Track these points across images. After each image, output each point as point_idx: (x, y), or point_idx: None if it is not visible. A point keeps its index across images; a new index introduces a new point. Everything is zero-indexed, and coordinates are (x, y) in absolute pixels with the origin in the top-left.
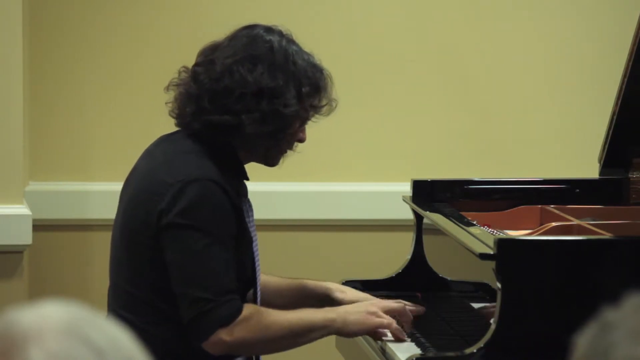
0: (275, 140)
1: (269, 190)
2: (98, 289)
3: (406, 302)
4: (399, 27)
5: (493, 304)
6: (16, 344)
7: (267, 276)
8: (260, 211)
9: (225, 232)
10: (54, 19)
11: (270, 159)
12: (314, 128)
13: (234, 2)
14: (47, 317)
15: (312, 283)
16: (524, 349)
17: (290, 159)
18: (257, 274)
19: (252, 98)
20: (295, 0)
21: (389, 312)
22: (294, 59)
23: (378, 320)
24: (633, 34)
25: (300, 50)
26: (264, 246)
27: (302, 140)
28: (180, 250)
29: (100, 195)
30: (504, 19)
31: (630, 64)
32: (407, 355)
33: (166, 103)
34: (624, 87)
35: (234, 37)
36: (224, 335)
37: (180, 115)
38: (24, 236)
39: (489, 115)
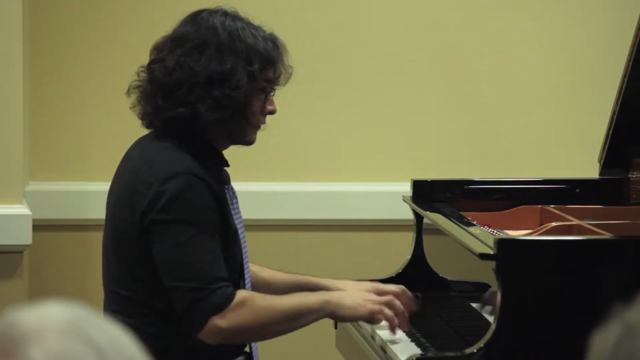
0: (237, 121)
1: (269, 190)
2: (98, 289)
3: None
4: (399, 27)
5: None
6: (17, 344)
7: (270, 271)
8: (260, 211)
9: (208, 222)
10: (54, 19)
11: (241, 139)
12: (315, 128)
13: (235, 3)
14: (48, 317)
15: (315, 280)
16: (524, 349)
17: (290, 159)
18: (245, 264)
19: (203, 86)
20: (296, 1)
21: (386, 293)
22: (240, 37)
23: (371, 306)
24: (633, 34)
25: (246, 25)
26: (264, 246)
27: (272, 112)
28: (166, 244)
29: (100, 195)
30: (504, 19)
31: (630, 64)
32: (407, 355)
33: (130, 108)
34: (624, 87)
35: (180, 28)
36: (219, 322)
37: (144, 117)
38: (24, 236)
39: (489, 116)
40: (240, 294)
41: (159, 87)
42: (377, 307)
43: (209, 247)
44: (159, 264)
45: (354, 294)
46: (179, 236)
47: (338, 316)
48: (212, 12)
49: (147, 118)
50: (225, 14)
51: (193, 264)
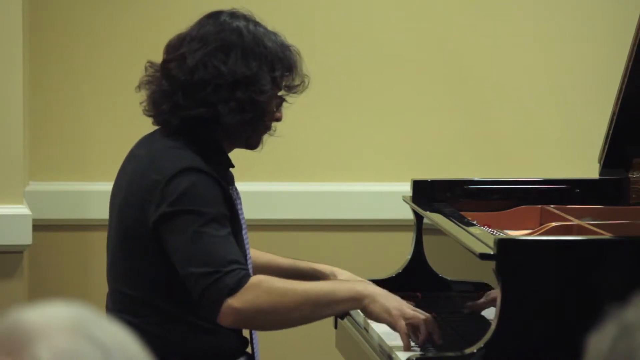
0: (255, 126)
1: (269, 190)
2: (98, 289)
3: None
4: (399, 27)
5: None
6: (24, 343)
7: (269, 255)
8: (260, 211)
9: (218, 212)
10: (54, 19)
11: (252, 144)
12: (315, 128)
13: (235, 3)
14: (53, 316)
15: (303, 264)
16: (524, 349)
17: (291, 159)
18: (248, 262)
19: (228, 88)
20: (295, 0)
21: (410, 319)
22: (263, 42)
23: (400, 322)
24: (633, 34)
25: (267, 31)
26: (265, 246)
27: (278, 120)
28: (177, 235)
29: (100, 195)
30: (503, 19)
31: (630, 64)
32: (407, 355)
33: (141, 103)
34: (624, 87)
35: (200, 27)
36: (234, 302)
37: (156, 114)
38: (24, 236)
39: (489, 116)
40: (257, 277)
41: (179, 85)
42: (409, 314)
43: (220, 234)
44: (172, 256)
45: (390, 295)
46: (189, 225)
47: (369, 311)
48: (233, 15)
49: (160, 116)
50: (246, 18)
51: (205, 250)
